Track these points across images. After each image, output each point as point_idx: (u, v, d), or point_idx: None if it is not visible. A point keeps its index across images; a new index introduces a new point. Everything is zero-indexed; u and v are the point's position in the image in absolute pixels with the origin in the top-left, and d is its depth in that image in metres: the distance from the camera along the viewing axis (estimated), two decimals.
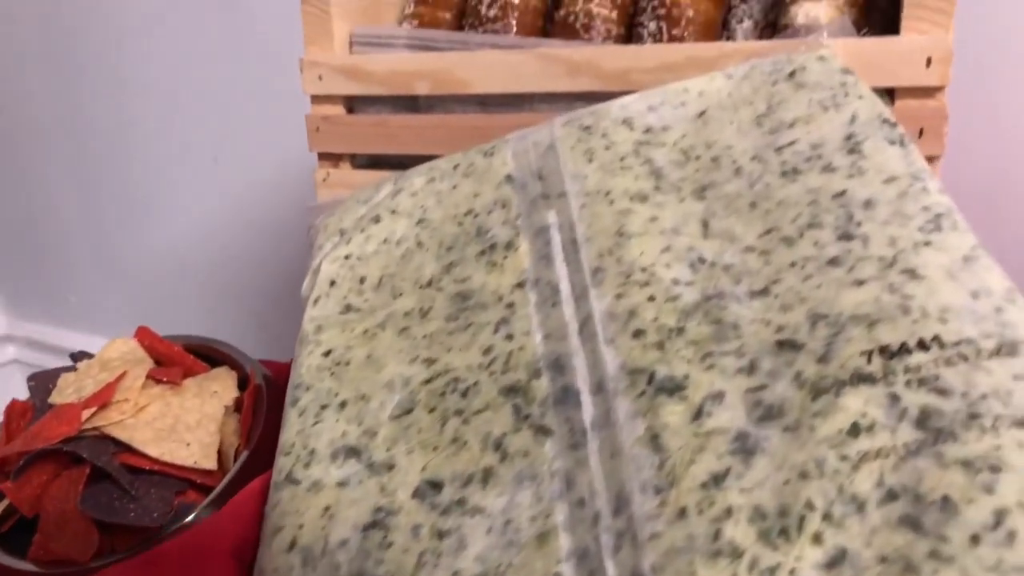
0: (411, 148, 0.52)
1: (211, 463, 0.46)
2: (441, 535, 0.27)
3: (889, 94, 0.42)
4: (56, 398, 0.49)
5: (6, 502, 0.45)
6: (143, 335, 0.54)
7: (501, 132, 0.49)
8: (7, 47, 1.21)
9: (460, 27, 0.55)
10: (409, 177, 0.41)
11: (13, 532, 0.45)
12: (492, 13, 0.52)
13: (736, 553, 0.23)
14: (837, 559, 0.22)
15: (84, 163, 1.22)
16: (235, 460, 0.46)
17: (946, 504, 0.22)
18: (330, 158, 0.55)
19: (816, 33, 0.41)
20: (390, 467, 0.30)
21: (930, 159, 0.41)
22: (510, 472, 0.28)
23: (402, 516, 0.28)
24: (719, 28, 0.50)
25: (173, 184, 1.13)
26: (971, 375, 0.25)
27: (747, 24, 0.50)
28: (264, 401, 0.49)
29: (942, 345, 0.26)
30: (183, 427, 0.47)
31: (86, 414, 0.45)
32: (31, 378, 0.51)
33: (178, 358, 0.53)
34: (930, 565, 0.22)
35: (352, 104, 0.54)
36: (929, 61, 0.40)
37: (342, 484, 0.30)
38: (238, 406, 0.50)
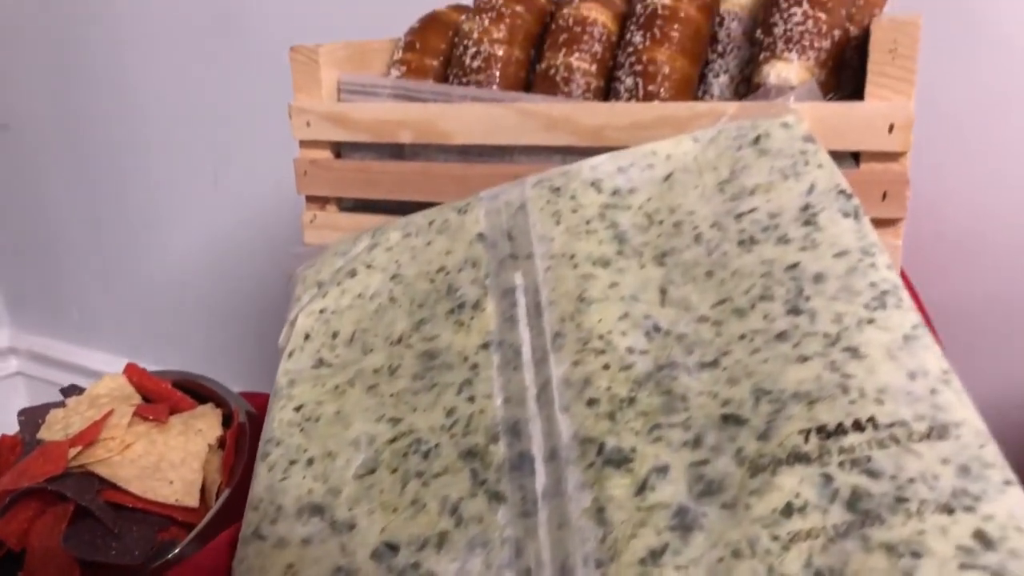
0: (394, 194, 0.53)
1: (193, 500, 0.47)
2: None
3: (854, 157, 0.43)
4: (45, 434, 0.51)
5: None
6: (132, 372, 0.55)
7: (481, 181, 0.50)
8: (13, 69, 1.24)
9: (446, 74, 0.56)
10: (386, 231, 0.43)
11: (1, 565, 0.46)
12: (476, 64, 0.53)
13: None
14: None
15: (88, 183, 1.24)
16: (217, 497, 0.47)
17: None
18: (317, 200, 0.56)
19: (784, 96, 0.42)
20: (351, 527, 0.31)
21: (893, 221, 0.43)
22: (464, 538, 0.29)
23: None
24: (695, 83, 0.51)
25: (173, 204, 1.15)
26: (901, 458, 0.26)
27: (723, 79, 0.51)
28: (247, 439, 0.50)
29: (876, 426, 0.27)
30: (167, 465, 0.49)
31: (72, 452, 0.47)
32: (21, 413, 0.52)
33: (165, 395, 0.54)
34: None
35: (339, 148, 0.55)
36: (891, 127, 0.41)
37: (306, 542, 0.31)
38: (222, 443, 0.51)
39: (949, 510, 0.25)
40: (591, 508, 0.28)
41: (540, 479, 0.30)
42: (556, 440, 0.30)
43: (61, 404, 0.53)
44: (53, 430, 0.51)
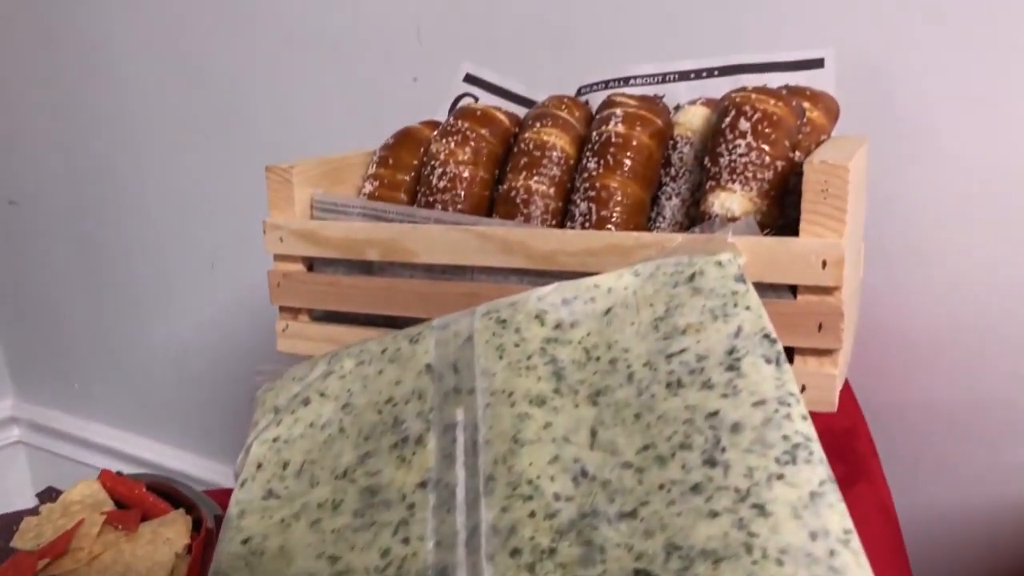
0: (363, 307, 0.55)
1: None
2: None
3: (792, 290, 0.44)
4: (17, 542, 0.52)
5: None
6: (106, 477, 0.57)
7: (444, 299, 0.53)
8: (25, 150, 1.28)
9: (416, 191, 0.59)
10: (341, 358, 0.44)
11: None
12: (442, 184, 0.56)
13: None
14: None
15: (92, 261, 1.28)
16: None
17: None
18: (290, 311, 0.58)
19: (723, 230, 0.44)
20: None
21: (829, 352, 0.44)
22: None
23: None
24: (648, 207, 0.53)
25: (173, 286, 1.18)
26: None
27: (675, 202, 0.53)
28: (214, 546, 0.51)
29: None
30: (133, 575, 0.50)
31: (41, 564, 0.48)
32: None
33: (138, 500, 0.56)
34: None
35: (311, 262, 0.58)
36: (824, 263, 0.43)
37: None
38: (190, 549, 0.52)
39: None
40: None
41: None
42: None
43: (35, 511, 0.54)
44: (25, 539, 0.52)
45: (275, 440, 0.42)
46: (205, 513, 0.54)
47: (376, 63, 0.88)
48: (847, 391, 0.52)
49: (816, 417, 0.46)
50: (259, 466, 0.41)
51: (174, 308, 1.20)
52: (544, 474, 0.35)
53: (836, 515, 0.30)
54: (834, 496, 0.31)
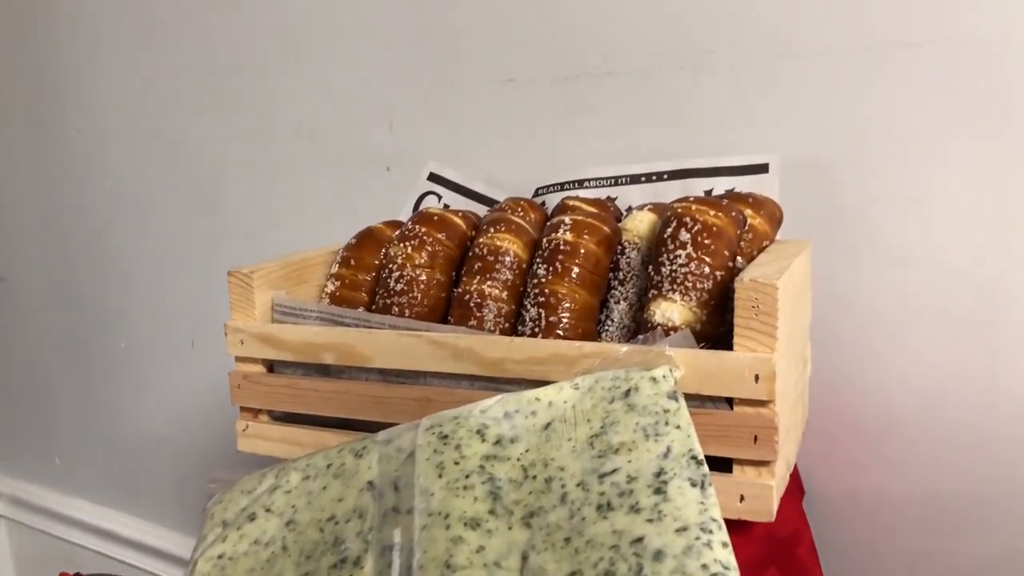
0: (319, 409, 0.56)
1: None
2: None
3: (729, 402, 0.46)
4: None
5: None
6: None
7: (398, 402, 0.54)
8: (12, 229, 1.30)
9: (376, 292, 0.60)
10: (287, 472, 0.45)
11: None
12: (399, 287, 0.57)
13: None
14: None
15: (75, 338, 1.29)
16: None
17: None
18: (250, 411, 0.59)
19: (661, 343, 0.45)
20: None
21: (766, 462, 0.45)
22: None
23: None
24: (596, 311, 0.54)
25: (154, 363, 1.19)
26: None
27: (623, 306, 0.54)
28: None
29: None
30: None
31: None
32: None
33: None
34: None
35: (271, 364, 0.59)
36: (757, 377, 0.44)
37: None
38: None
39: None
40: None
41: None
42: None
43: None
44: None
45: (220, 557, 0.42)
46: None
47: (352, 152, 0.90)
48: (796, 492, 0.53)
49: (758, 524, 0.47)
50: None
51: (155, 385, 1.20)
52: None
53: None
54: None
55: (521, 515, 0.39)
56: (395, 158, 0.87)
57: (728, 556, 0.34)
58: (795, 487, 0.54)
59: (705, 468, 0.38)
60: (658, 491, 0.37)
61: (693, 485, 0.37)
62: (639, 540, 0.35)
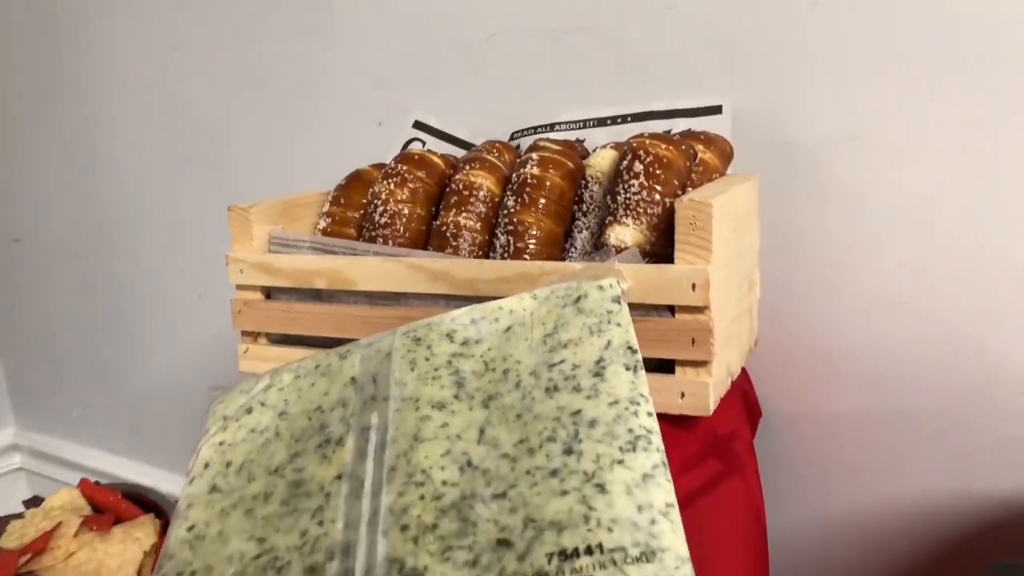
0: (312, 330, 0.62)
1: None
2: None
3: (670, 309, 0.51)
4: (3, 542, 0.59)
5: None
6: (85, 486, 0.63)
7: (382, 321, 0.59)
8: (28, 192, 1.37)
9: (363, 225, 0.66)
10: (280, 373, 0.51)
11: None
12: (383, 220, 0.63)
13: None
14: None
15: (88, 295, 1.35)
16: None
17: None
18: (250, 335, 0.65)
19: (611, 260, 0.51)
20: None
21: (703, 362, 0.51)
22: None
23: None
24: (561, 239, 0.60)
25: (164, 315, 1.25)
26: None
27: (585, 235, 0.60)
28: None
29: (602, 551, 0.34)
30: (105, 571, 0.56)
31: (22, 560, 0.55)
32: None
33: (112, 505, 0.63)
34: None
35: (269, 291, 0.65)
36: (694, 286, 0.49)
37: None
38: (157, 549, 0.59)
39: None
40: None
41: None
42: (373, 559, 0.38)
43: (20, 515, 0.61)
44: (10, 539, 0.59)
45: (221, 443, 0.48)
46: (172, 516, 0.61)
47: (344, 108, 0.96)
48: (738, 399, 0.59)
49: (703, 421, 0.53)
50: (206, 465, 0.48)
51: (166, 337, 1.27)
52: (436, 465, 0.41)
53: (662, 492, 0.37)
54: (663, 477, 0.37)
55: (481, 399, 0.45)
56: (385, 112, 0.92)
57: (651, 423, 0.40)
58: (739, 399, 0.59)
59: (639, 356, 0.43)
60: (597, 374, 0.43)
61: (627, 369, 0.43)
62: (577, 412, 0.41)
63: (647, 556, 0.34)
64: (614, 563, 0.34)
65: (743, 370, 0.62)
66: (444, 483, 0.40)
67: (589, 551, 0.35)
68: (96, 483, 0.64)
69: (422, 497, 0.40)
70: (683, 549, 0.35)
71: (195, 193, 1.13)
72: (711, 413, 0.51)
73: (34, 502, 0.62)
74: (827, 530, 0.72)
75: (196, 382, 1.25)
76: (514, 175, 0.61)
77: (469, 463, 0.41)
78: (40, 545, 0.56)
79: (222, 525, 0.44)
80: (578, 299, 0.48)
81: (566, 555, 0.35)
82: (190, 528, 0.45)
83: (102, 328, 1.35)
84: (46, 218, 1.37)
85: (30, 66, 1.27)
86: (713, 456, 0.52)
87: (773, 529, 0.63)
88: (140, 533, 0.59)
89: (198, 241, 1.16)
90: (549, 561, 0.35)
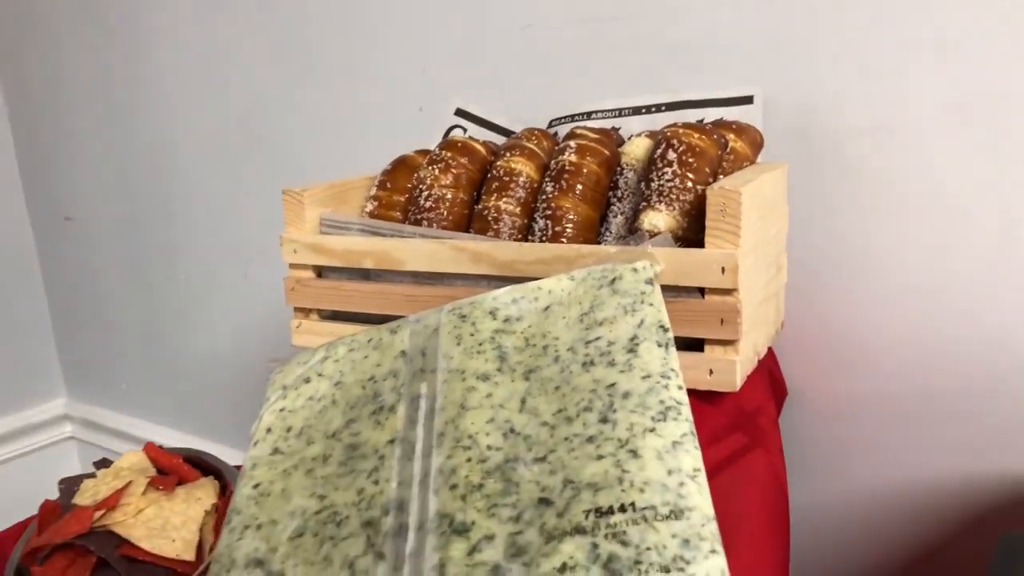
0: (361, 308, 0.66)
1: (191, 555, 0.59)
2: None
3: (700, 291, 0.54)
4: (78, 499, 0.64)
5: None
6: (150, 449, 0.68)
7: (427, 300, 0.63)
8: (80, 172, 1.42)
9: (408, 209, 0.69)
10: (336, 346, 0.55)
11: None
12: (428, 204, 0.67)
13: None
14: None
15: (138, 271, 1.41)
16: (210, 551, 0.59)
17: None
18: (302, 311, 0.70)
19: (644, 243, 0.54)
20: (282, 575, 0.43)
21: (730, 341, 0.54)
22: None
23: None
24: (596, 224, 0.63)
25: (211, 293, 1.31)
26: (646, 532, 0.37)
27: (620, 219, 0.63)
28: None
29: (635, 509, 0.38)
30: (171, 527, 0.61)
31: (96, 515, 0.59)
32: (61, 482, 0.66)
33: (175, 468, 0.67)
34: None
35: (320, 270, 0.69)
36: (723, 270, 0.52)
37: None
38: (217, 509, 0.64)
39: (667, 570, 0.35)
40: (437, 565, 0.39)
41: (410, 543, 0.41)
42: (425, 514, 0.42)
43: (92, 475, 0.66)
44: (84, 496, 0.64)
45: (281, 410, 0.53)
46: (230, 480, 0.66)
47: (388, 94, 0.99)
48: (764, 378, 0.62)
49: (730, 397, 0.56)
50: (268, 430, 0.52)
51: (212, 314, 1.32)
52: (481, 431, 0.45)
53: (690, 458, 0.40)
54: (691, 445, 0.41)
55: (522, 372, 0.48)
56: (427, 99, 0.96)
57: (681, 395, 0.43)
58: (765, 378, 0.62)
59: (670, 334, 0.47)
60: (631, 351, 0.46)
61: (659, 346, 0.46)
62: (612, 385, 0.45)
63: (675, 514, 0.38)
64: (645, 520, 0.38)
65: (769, 350, 0.65)
66: (489, 447, 0.44)
67: (623, 509, 0.38)
68: (160, 447, 0.69)
69: (469, 460, 0.44)
70: (709, 509, 0.38)
71: (241, 174, 1.18)
72: (738, 389, 0.54)
73: (103, 463, 0.66)
74: (847, 506, 0.74)
75: (241, 357, 1.31)
76: (552, 162, 0.64)
77: (512, 430, 0.45)
78: (112, 502, 0.60)
79: (285, 484, 0.48)
80: (613, 280, 0.51)
81: (601, 512, 0.38)
82: (255, 486, 0.49)
83: (152, 304, 1.41)
84: (96, 197, 1.42)
85: (81, 47, 1.32)
86: (739, 430, 0.55)
87: (795, 503, 0.66)
88: (201, 494, 0.64)
89: (243, 221, 1.21)
90: (586, 517, 0.38)
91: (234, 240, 1.23)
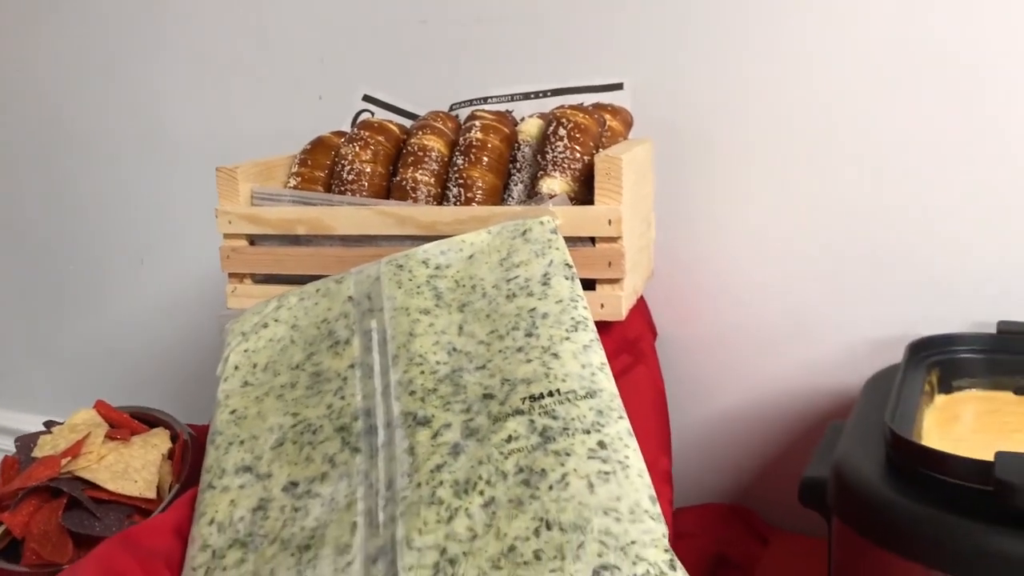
0: (293, 271, 0.74)
1: (152, 494, 0.66)
2: (296, 509, 0.49)
3: (592, 240, 0.67)
4: (38, 452, 0.69)
5: (3, 527, 0.64)
6: (100, 407, 0.74)
7: (355, 260, 0.72)
8: None
9: (329, 183, 0.78)
10: (288, 297, 0.64)
11: (9, 548, 0.64)
12: (350, 177, 0.76)
13: (440, 503, 0.46)
14: (488, 503, 0.45)
15: (20, 260, 1.39)
16: (169, 491, 0.67)
17: (543, 472, 0.46)
18: (237, 276, 0.77)
19: (545, 203, 0.66)
20: (269, 476, 0.52)
21: (617, 280, 0.67)
22: (336, 474, 0.50)
23: (275, 502, 0.50)
24: (500, 191, 0.74)
25: (104, 282, 1.32)
26: (569, 409, 0.49)
27: (520, 187, 0.75)
28: (190, 451, 0.70)
29: (560, 393, 0.50)
30: (132, 470, 0.68)
31: (64, 462, 0.65)
32: (17, 439, 0.71)
33: (126, 423, 0.73)
34: (529, 503, 0.45)
35: (252, 239, 0.76)
36: (610, 221, 0.65)
37: (241, 487, 0.52)
38: (171, 455, 0.70)
39: (587, 432, 0.48)
40: (407, 448, 0.49)
41: (380, 437, 0.51)
42: (391, 415, 0.52)
43: (48, 432, 0.71)
44: (44, 450, 0.69)
45: (245, 351, 0.61)
46: (180, 430, 0.73)
47: (286, 83, 1.06)
48: (643, 314, 0.75)
49: (616, 326, 0.69)
50: (236, 368, 0.60)
51: (106, 301, 1.33)
52: (429, 351, 0.55)
53: (597, 356, 0.52)
54: (597, 347, 0.53)
55: (457, 306, 0.59)
56: (325, 88, 1.04)
57: (587, 313, 0.55)
58: (644, 314, 0.76)
59: (574, 270, 0.59)
60: (544, 283, 0.58)
61: (566, 279, 0.58)
62: (533, 309, 0.56)
63: (590, 394, 0.50)
64: (568, 400, 0.49)
65: (641, 297, 0.79)
66: (438, 363, 0.55)
67: (551, 394, 0.50)
68: (108, 404, 0.75)
69: (422, 372, 0.54)
70: (615, 390, 0.50)
71: (136, 165, 1.21)
72: (624, 319, 0.67)
73: (51, 424, 0.72)
74: (712, 427, 0.90)
75: (139, 345, 1.33)
76: (461, 139, 0.75)
77: (455, 348, 0.56)
78: (76, 450, 0.66)
79: (259, 408, 0.57)
80: (524, 232, 0.63)
81: (534, 398, 0.50)
82: (232, 412, 0.57)
83: (35, 292, 1.40)
84: None
85: None
86: (625, 352, 0.69)
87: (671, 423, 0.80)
88: (156, 440, 0.70)
89: (139, 210, 1.23)
90: (523, 403, 0.50)
91: (130, 224, 1.25)
